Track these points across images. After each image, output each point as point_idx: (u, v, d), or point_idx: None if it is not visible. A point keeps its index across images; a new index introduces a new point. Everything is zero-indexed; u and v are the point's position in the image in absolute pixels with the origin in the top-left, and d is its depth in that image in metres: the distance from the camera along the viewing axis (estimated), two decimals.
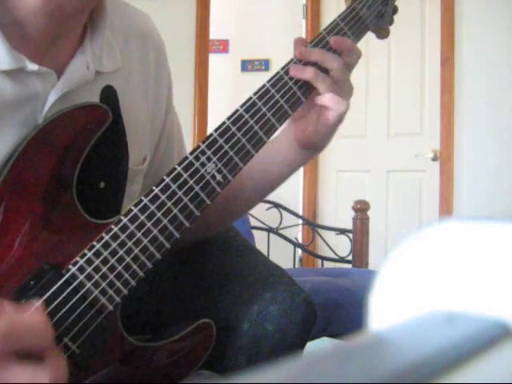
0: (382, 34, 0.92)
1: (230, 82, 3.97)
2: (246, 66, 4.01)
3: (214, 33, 3.47)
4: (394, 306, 0.24)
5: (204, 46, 3.23)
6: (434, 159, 3.36)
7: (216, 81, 3.55)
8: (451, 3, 3.25)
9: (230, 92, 3.84)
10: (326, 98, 0.81)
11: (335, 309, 1.86)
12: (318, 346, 1.69)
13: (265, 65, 3.97)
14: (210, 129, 0.77)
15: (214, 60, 3.52)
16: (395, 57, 3.43)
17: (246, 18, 3.99)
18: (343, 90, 0.82)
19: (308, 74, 0.81)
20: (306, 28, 3.77)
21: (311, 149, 0.87)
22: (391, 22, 0.93)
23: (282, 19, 3.90)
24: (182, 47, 3.06)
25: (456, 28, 3.25)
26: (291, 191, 3.50)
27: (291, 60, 0.82)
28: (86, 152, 0.71)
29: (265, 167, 0.89)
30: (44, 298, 0.65)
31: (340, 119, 0.83)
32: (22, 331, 0.56)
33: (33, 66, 0.68)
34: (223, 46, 4.05)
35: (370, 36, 0.90)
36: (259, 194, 0.94)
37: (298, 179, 3.68)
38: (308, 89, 0.82)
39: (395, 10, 0.93)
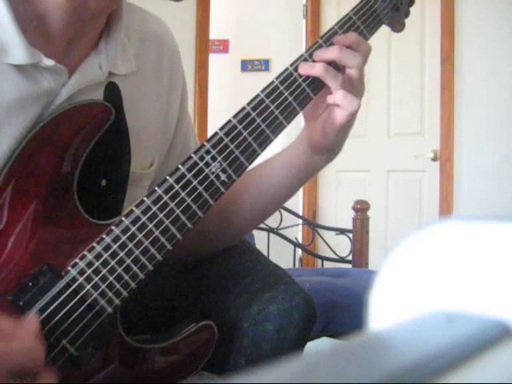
0: (397, 27, 0.88)
1: (230, 82, 3.96)
2: (246, 65, 4.01)
3: (214, 33, 3.47)
4: (393, 306, 0.24)
5: (204, 46, 3.23)
6: (434, 159, 3.35)
7: (216, 81, 3.55)
8: (451, 3, 3.24)
9: (229, 92, 3.83)
10: (338, 96, 0.77)
11: (335, 309, 1.86)
12: (318, 346, 1.68)
13: (265, 65, 3.97)
14: (210, 129, 0.77)
15: (214, 60, 3.52)
16: (395, 57, 3.43)
17: (246, 18, 3.99)
18: (356, 88, 0.78)
19: (317, 70, 0.77)
20: (306, 28, 3.77)
21: (324, 152, 0.83)
22: (407, 14, 0.88)
23: (282, 19, 3.90)
24: (182, 47, 3.04)
25: (456, 28, 3.25)
26: None
27: (301, 56, 0.79)
28: (88, 150, 0.71)
29: (279, 176, 0.86)
30: (42, 300, 0.65)
31: (351, 119, 0.78)
32: (15, 356, 0.57)
33: (48, 62, 0.68)
34: (223, 46, 4.05)
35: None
36: (272, 206, 0.90)
37: None
38: (318, 85, 0.79)
39: (412, 1, 0.88)
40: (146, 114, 0.82)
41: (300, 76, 0.78)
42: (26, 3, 0.68)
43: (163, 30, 0.88)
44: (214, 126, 0.78)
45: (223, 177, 0.74)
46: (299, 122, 0.84)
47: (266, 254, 2.55)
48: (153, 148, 0.85)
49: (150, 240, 0.70)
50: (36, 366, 0.59)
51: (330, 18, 3.51)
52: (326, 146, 0.82)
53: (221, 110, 2.30)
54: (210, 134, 0.76)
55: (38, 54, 0.68)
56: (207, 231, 0.87)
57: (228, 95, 3.76)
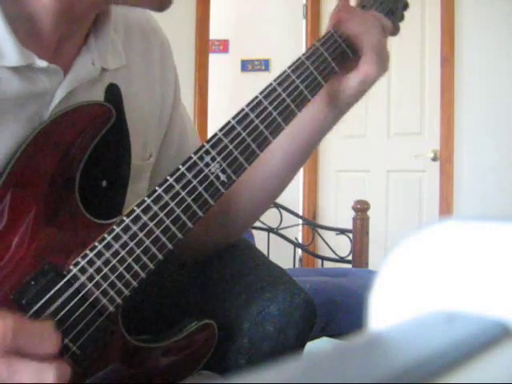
0: (393, 31, 0.90)
1: (230, 82, 3.97)
2: (246, 66, 4.01)
3: (214, 33, 3.47)
4: (393, 306, 0.24)
5: (204, 46, 3.23)
6: (434, 159, 3.36)
7: (216, 81, 3.55)
8: (451, 3, 3.25)
9: (229, 92, 3.84)
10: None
11: (335, 309, 1.86)
12: (318, 345, 1.68)
13: (265, 65, 3.97)
14: (210, 129, 0.77)
15: (214, 60, 3.52)
16: (395, 57, 3.42)
17: (246, 17, 3.99)
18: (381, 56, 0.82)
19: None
20: (306, 28, 3.77)
21: (339, 106, 0.85)
22: (402, 18, 0.91)
23: (282, 19, 3.90)
24: (182, 47, 3.06)
25: (456, 28, 3.25)
26: (291, 191, 3.50)
27: (298, 59, 0.80)
28: (89, 151, 0.71)
29: (291, 138, 0.87)
30: (45, 299, 0.65)
31: (373, 79, 0.81)
32: (29, 332, 0.56)
33: (41, 63, 0.68)
34: (223, 46, 4.05)
35: None
36: (285, 175, 0.91)
37: (297, 179, 3.68)
38: (315, 88, 0.80)
39: (406, 6, 0.91)
40: (139, 105, 0.82)
41: (298, 78, 0.79)
42: (16, 4, 0.68)
43: (148, 20, 0.89)
44: (214, 126, 0.78)
45: (223, 177, 0.74)
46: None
47: (266, 254, 2.55)
48: (149, 139, 0.85)
49: (150, 239, 0.70)
50: (50, 350, 0.57)
51: None
52: (346, 100, 0.84)
53: (221, 110, 2.30)
54: (210, 133, 0.76)
55: (31, 56, 0.68)
56: (207, 228, 0.87)
57: (228, 95, 3.76)
